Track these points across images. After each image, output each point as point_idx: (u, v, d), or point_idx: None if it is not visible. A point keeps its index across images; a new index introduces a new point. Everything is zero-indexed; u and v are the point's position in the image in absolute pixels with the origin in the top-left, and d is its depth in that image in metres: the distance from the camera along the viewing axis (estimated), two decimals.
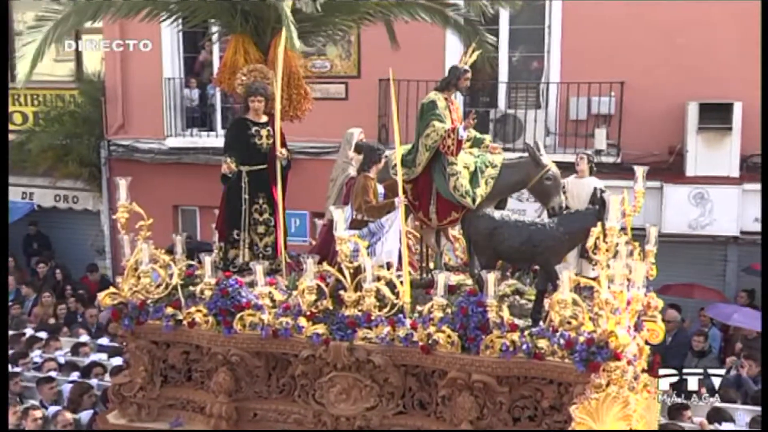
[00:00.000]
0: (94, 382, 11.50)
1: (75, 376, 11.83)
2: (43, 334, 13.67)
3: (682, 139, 15.76)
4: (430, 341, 8.05)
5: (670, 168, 15.68)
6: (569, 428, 7.56)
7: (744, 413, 10.45)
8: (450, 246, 9.99)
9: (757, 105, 14.94)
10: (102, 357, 12.64)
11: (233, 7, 9.60)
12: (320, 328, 8.40)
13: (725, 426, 9.92)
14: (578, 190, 9.81)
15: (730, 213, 15.76)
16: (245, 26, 9.73)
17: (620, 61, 15.82)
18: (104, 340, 13.48)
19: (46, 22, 9.63)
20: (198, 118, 18.88)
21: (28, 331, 13.94)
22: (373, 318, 8.31)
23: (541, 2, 16.14)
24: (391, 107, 15.95)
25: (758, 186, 15.43)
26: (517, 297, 8.94)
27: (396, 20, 11.17)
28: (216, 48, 18.10)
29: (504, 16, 16.03)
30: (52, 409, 10.75)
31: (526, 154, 8.74)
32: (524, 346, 7.84)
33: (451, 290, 8.59)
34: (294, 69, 9.84)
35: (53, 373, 11.85)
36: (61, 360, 12.56)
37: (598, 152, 15.21)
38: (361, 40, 16.89)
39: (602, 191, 9.32)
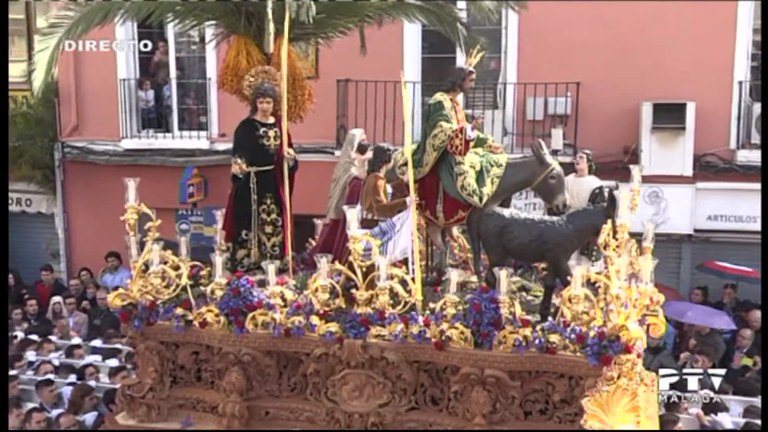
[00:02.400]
0: (92, 383, 11.43)
1: (72, 378, 11.74)
2: (34, 336, 13.53)
3: (637, 138, 16.06)
4: (443, 338, 8.15)
5: (625, 167, 15.90)
6: (580, 420, 7.78)
7: (736, 404, 10.81)
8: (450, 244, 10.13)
9: (710, 105, 15.48)
10: (96, 359, 12.55)
11: (237, 9, 9.64)
12: (333, 327, 8.45)
13: (720, 416, 10.25)
14: (578, 188, 10.07)
15: (683, 211, 16.14)
16: (248, 28, 9.78)
17: (576, 62, 16.02)
18: (97, 342, 13.40)
19: (58, 28, 9.62)
20: (154, 119, 18.74)
21: (19, 334, 13.79)
22: (386, 315, 8.39)
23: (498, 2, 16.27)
24: (349, 108, 16.33)
25: (711, 185, 15.98)
26: (524, 293, 9.15)
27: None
28: (172, 49, 18.07)
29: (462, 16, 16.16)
30: (54, 412, 10.67)
31: (530, 153, 8.95)
32: (537, 341, 7.98)
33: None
34: (297, 70, 9.92)
35: (51, 376, 11.73)
36: (56, 362, 12.43)
37: (555, 152, 15.31)
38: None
39: (610, 189, 9.49)
